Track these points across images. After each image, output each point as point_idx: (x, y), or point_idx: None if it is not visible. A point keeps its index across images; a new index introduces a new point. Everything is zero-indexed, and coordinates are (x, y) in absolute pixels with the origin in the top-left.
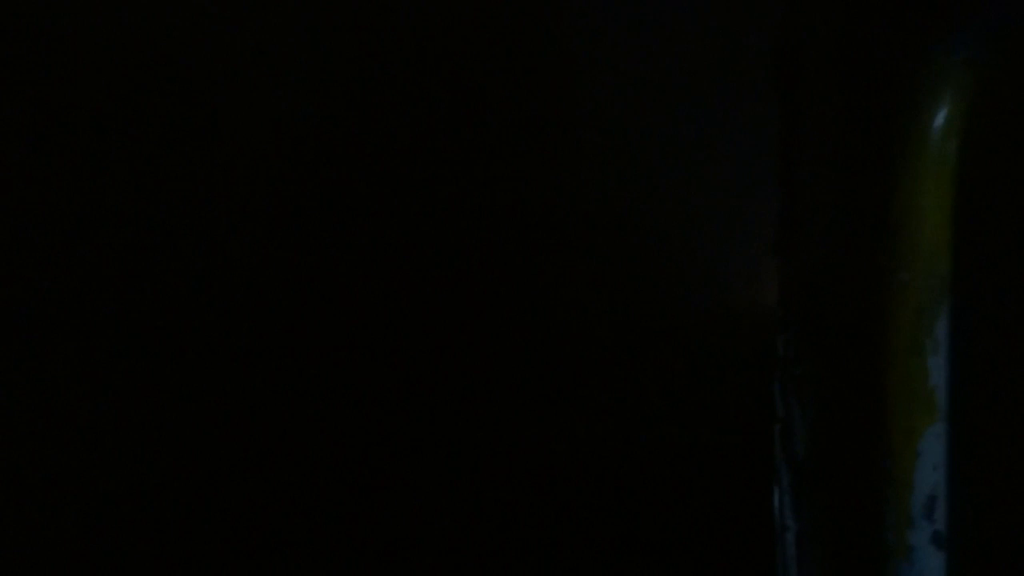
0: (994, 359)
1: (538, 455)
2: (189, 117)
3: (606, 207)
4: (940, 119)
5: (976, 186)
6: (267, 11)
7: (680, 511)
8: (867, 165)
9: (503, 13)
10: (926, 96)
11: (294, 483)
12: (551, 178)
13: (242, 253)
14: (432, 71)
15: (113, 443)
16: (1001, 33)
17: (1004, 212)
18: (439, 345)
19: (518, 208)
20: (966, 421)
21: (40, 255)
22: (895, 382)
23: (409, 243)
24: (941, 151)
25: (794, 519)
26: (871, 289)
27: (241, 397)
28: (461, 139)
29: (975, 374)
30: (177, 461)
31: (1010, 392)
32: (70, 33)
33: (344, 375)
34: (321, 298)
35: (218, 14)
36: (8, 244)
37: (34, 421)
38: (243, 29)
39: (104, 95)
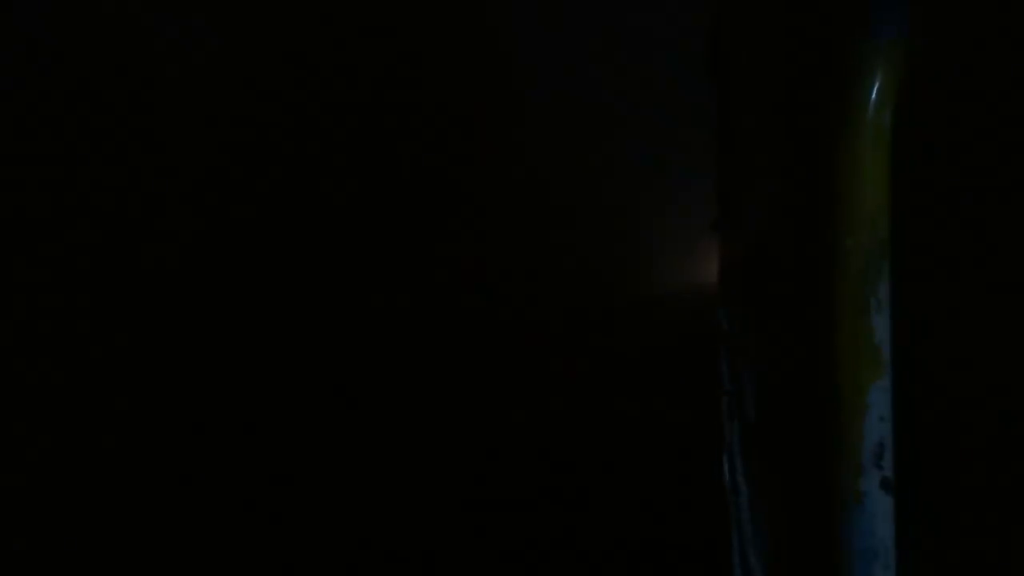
0: (930, 315)
1: (496, 438)
2: (174, 120)
3: (541, 199)
4: (875, 91)
5: (906, 152)
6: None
7: (632, 488)
8: (810, 139)
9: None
10: (863, 71)
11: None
12: (490, 171)
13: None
14: (389, 74)
15: (108, 442)
16: (925, 13)
17: (933, 175)
18: (392, 328)
19: (459, 202)
20: (908, 373)
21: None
22: (844, 341)
23: (354, 235)
24: (877, 121)
25: (746, 483)
26: (818, 255)
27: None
28: (407, 137)
29: (915, 330)
30: (164, 461)
31: (945, 344)
32: (54, 34)
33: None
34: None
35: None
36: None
37: (33, 421)
38: (227, 35)
39: (93, 95)
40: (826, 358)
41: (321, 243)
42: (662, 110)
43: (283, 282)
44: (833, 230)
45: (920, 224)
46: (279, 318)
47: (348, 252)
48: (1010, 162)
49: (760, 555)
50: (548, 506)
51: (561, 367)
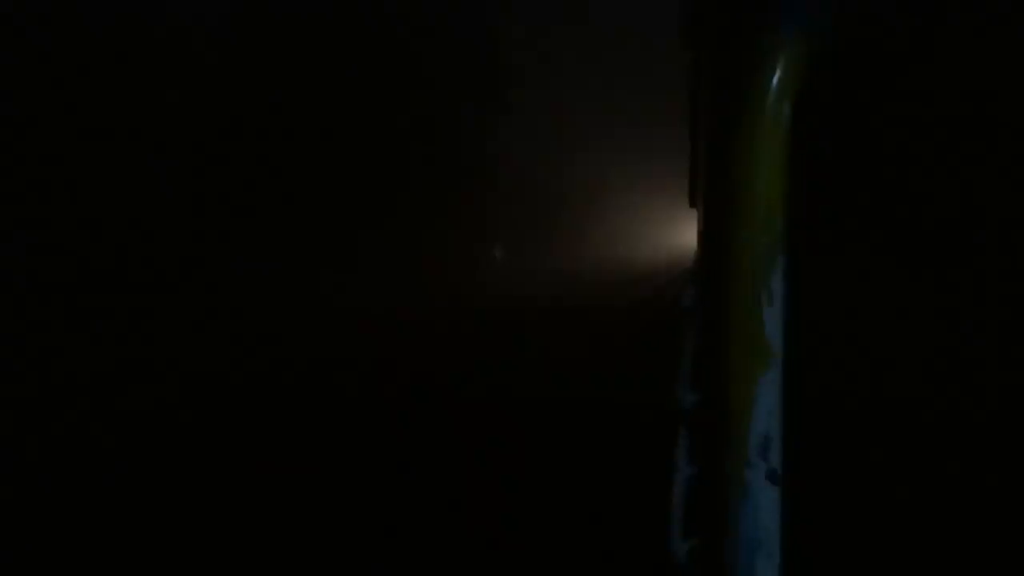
0: (823, 311)
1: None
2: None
3: (525, 183)
4: (774, 81)
5: (806, 148)
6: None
7: (582, 469)
8: (716, 124)
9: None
10: (763, 62)
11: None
12: (475, 149)
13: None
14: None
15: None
16: (830, 9)
17: (832, 172)
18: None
19: (445, 196)
20: (797, 368)
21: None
22: (735, 333)
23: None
24: (775, 112)
25: (687, 463)
26: (715, 247)
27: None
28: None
29: (805, 324)
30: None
31: (837, 341)
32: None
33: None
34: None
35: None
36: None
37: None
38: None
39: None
40: (721, 348)
41: (314, 240)
42: (641, 89)
43: (276, 277)
44: (728, 222)
45: (817, 219)
46: (276, 314)
47: (349, 247)
48: (911, 158)
49: (682, 538)
50: (522, 497)
51: (547, 352)
